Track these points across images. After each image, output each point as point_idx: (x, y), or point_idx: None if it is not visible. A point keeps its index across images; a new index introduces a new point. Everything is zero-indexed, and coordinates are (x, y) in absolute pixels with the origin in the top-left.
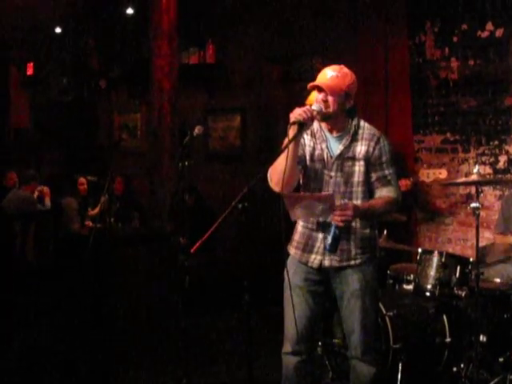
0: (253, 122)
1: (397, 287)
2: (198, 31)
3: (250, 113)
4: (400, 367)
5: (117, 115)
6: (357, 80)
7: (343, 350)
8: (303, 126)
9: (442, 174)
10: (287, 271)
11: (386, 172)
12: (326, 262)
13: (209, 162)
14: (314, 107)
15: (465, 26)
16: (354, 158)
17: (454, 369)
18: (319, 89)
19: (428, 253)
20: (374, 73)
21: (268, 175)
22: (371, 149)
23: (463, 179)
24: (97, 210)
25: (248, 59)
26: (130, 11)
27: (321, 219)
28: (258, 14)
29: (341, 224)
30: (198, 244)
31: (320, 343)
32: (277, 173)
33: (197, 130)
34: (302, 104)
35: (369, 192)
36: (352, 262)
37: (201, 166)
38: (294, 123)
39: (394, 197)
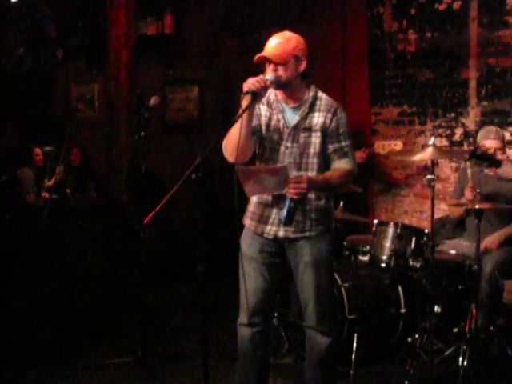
0: (211, 93)
1: (352, 258)
2: (155, 1)
3: (209, 84)
4: (355, 338)
5: (74, 85)
6: (305, 41)
7: (299, 321)
8: (256, 95)
9: (398, 145)
10: (242, 242)
11: (343, 144)
12: (281, 233)
13: (167, 134)
14: (267, 76)
15: None
16: (310, 129)
17: (409, 339)
18: (268, 59)
19: (383, 224)
20: (332, 45)
21: (223, 146)
22: (328, 120)
23: (419, 155)
24: (52, 181)
25: (206, 30)
26: None
27: (275, 193)
28: None
29: (295, 197)
30: (150, 215)
31: (276, 314)
32: (231, 143)
33: (153, 101)
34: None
35: (324, 164)
36: (307, 234)
37: (159, 137)
38: (247, 93)
39: (350, 169)
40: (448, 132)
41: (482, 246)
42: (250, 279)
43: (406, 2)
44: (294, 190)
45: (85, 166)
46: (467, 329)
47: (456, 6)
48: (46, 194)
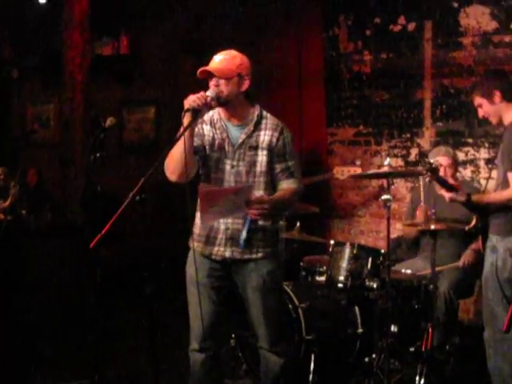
0: (168, 113)
1: (309, 279)
2: (111, 22)
3: (165, 104)
4: (313, 358)
5: (30, 106)
6: (249, 62)
7: (256, 342)
8: (198, 112)
9: (357, 171)
10: (188, 267)
11: (289, 163)
12: (228, 254)
13: (123, 154)
14: (208, 93)
15: (377, 20)
16: (256, 147)
17: (366, 359)
18: (210, 75)
19: (340, 245)
20: (288, 65)
21: (165, 165)
22: (275, 139)
23: (374, 171)
24: (8, 202)
25: (162, 50)
26: (42, 0)
27: (235, 215)
28: (172, 4)
29: (258, 218)
30: (96, 239)
31: (233, 335)
32: (173, 162)
33: (109, 122)
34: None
35: (271, 183)
36: (253, 256)
37: (115, 157)
38: (187, 110)
39: (297, 188)
40: (403, 152)
41: (461, 263)
42: (199, 305)
43: (362, 23)
44: (257, 211)
45: (40, 187)
46: (423, 348)
47: (411, 27)
48: (0, 216)
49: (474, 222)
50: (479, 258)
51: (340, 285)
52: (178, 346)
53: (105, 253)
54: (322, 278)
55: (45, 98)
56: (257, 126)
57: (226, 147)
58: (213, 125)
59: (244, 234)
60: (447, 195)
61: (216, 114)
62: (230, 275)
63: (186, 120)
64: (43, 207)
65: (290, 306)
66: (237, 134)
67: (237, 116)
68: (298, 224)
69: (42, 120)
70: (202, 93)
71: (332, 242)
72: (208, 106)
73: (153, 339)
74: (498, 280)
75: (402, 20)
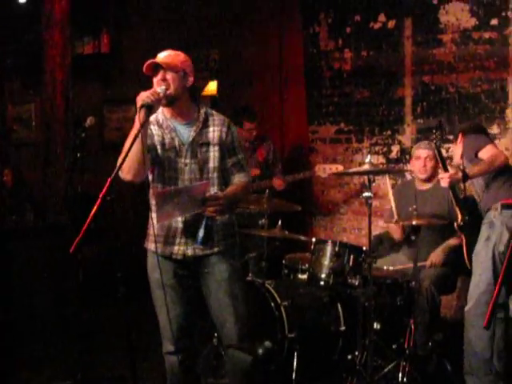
0: None
1: (291, 277)
2: (92, 20)
3: None
4: (295, 356)
5: (10, 106)
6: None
7: (222, 343)
8: (151, 108)
9: (339, 169)
10: (151, 270)
11: (239, 157)
12: (189, 251)
13: (104, 153)
14: (158, 89)
15: (358, 18)
16: (208, 144)
17: (349, 356)
18: (157, 70)
19: (322, 242)
20: (269, 63)
21: (117, 164)
22: (224, 134)
23: (355, 169)
24: None
25: (143, 49)
26: None
27: (191, 213)
28: (153, 3)
29: (214, 215)
30: (75, 243)
31: (216, 334)
32: (128, 161)
33: (89, 121)
34: (197, 94)
35: (223, 178)
36: (216, 250)
37: (97, 156)
38: (142, 106)
39: (249, 181)
40: (385, 149)
41: (428, 263)
42: (168, 307)
43: (342, 21)
44: (213, 208)
45: (20, 187)
46: (406, 345)
47: (391, 24)
48: None
49: (460, 217)
50: (449, 257)
51: (322, 282)
52: (157, 346)
53: (88, 253)
54: (304, 276)
55: (25, 97)
56: (205, 123)
57: (177, 146)
58: (159, 125)
59: (202, 232)
60: (445, 176)
61: (160, 114)
62: (194, 272)
63: (141, 117)
64: (24, 207)
65: (272, 303)
66: (185, 132)
67: (183, 115)
68: (280, 222)
69: (22, 119)
70: (153, 89)
71: (314, 239)
72: (159, 102)
73: (128, 340)
74: (493, 254)
75: (382, 17)
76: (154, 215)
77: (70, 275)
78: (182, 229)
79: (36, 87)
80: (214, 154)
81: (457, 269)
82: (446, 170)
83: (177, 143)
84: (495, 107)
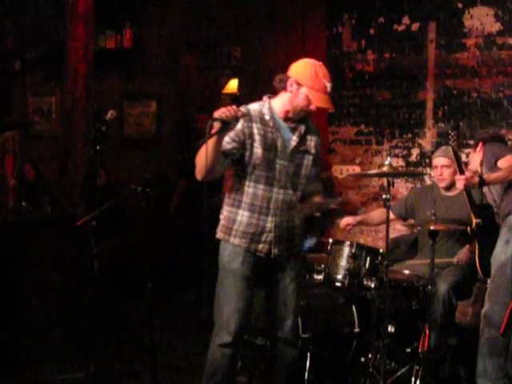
0: (168, 108)
1: (307, 277)
2: (115, 15)
3: (166, 99)
4: (309, 357)
5: (31, 98)
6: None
7: (253, 339)
8: (226, 124)
9: (356, 170)
10: (232, 261)
11: (320, 167)
12: (276, 251)
13: (124, 148)
14: (242, 108)
15: (381, 19)
16: (305, 151)
17: (362, 359)
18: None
19: (339, 243)
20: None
21: (195, 161)
22: (318, 145)
23: (374, 171)
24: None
25: (165, 45)
26: None
27: None
28: (176, 0)
29: None
30: (84, 219)
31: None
32: (199, 163)
33: (109, 115)
34: (217, 92)
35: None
36: (295, 250)
37: (116, 151)
38: (215, 119)
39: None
40: (404, 152)
41: (455, 260)
42: (241, 298)
43: (365, 22)
44: None
45: (39, 179)
46: (420, 349)
47: (414, 27)
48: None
49: (474, 222)
50: (474, 258)
51: (338, 283)
52: (176, 342)
53: (105, 247)
54: (320, 277)
55: (46, 89)
56: (306, 130)
57: (280, 147)
58: (263, 122)
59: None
60: (461, 178)
61: (268, 109)
62: (269, 269)
63: (214, 129)
64: (42, 200)
65: None
66: (289, 135)
67: (293, 119)
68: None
69: (43, 112)
70: (234, 106)
71: (331, 240)
72: (236, 121)
73: (152, 334)
74: None
75: (406, 20)
76: (241, 212)
77: (85, 267)
78: (272, 228)
79: (57, 80)
80: (307, 161)
81: (474, 275)
82: (461, 172)
83: (279, 144)
84: None
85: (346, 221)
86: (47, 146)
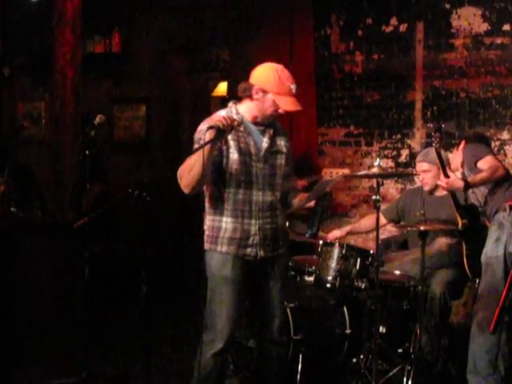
0: (158, 112)
1: (298, 279)
2: (103, 20)
3: (156, 103)
4: (300, 358)
5: (20, 103)
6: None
7: (244, 341)
8: (222, 132)
9: (346, 172)
10: (221, 268)
11: (292, 165)
12: (262, 253)
13: (114, 152)
14: (236, 117)
15: (369, 21)
16: (277, 152)
17: (354, 360)
18: None
19: (329, 245)
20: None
21: (178, 174)
22: (288, 143)
23: (364, 172)
24: None
25: (154, 49)
26: None
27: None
28: (164, 3)
29: None
30: (81, 222)
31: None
32: (189, 176)
33: (98, 119)
34: (207, 95)
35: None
36: (280, 251)
37: (106, 155)
38: (211, 127)
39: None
40: (394, 153)
41: (436, 247)
42: (234, 304)
43: (353, 23)
44: None
45: (29, 184)
46: (412, 349)
47: (402, 28)
48: None
49: (460, 223)
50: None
51: (328, 285)
52: (170, 346)
53: (97, 250)
54: (311, 278)
55: (35, 95)
56: (275, 131)
57: (253, 151)
58: (236, 129)
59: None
60: (444, 182)
61: (237, 115)
62: (257, 271)
63: (208, 136)
64: (33, 205)
65: None
66: (260, 137)
67: (263, 123)
68: (287, 223)
69: (32, 117)
70: (230, 115)
71: (321, 242)
72: (231, 130)
73: (147, 338)
74: (504, 254)
75: (393, 21)
76: (225, 219)
77: (75, 272)
78: (257, 231)
79: (46, 85)
80: (281, 161)
81: (466, 275)
82: (445, 175)
83: (253, 148)
84: (506, 113)
85: (333, 235)
86: (37, 151)
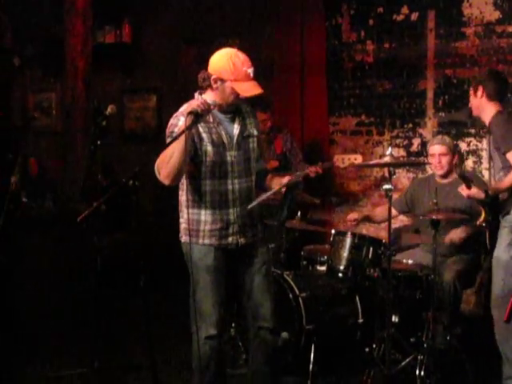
0: (169, 102)
1: (310, 268)
2: (114, 10)
3: (166, 93)
4: (313, 348)
5: (31, 94)
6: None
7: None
8: (199, 117)
9: (357, 159)
10: (203, 257)
11: (260, 145)
12: (242, 240)
13: (124, 142)
14: (210, 102)
15: (380, 10)
16: (249, 136)
17: (367, 349)
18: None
19: (341, 234)
20: (290, 55)
21: (156, 167)
22: (257, 126)
23: (376, 161)
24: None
25: (164, 39)
26: None
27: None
28: None
29: None
30: (85, 213)
31: (233, 324)
32: (168, 166)
33: (109, 110)
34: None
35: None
36: (260, 235)
37: (116, 146)
38: (190, 113)
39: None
40: (405, 142)
41: (447, 240)
42: (218, 291)
43: (364, 12)
44: None
45: (43, 175)
46: (424, 338)
47: (414, 17)
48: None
49: (482, 217)
50: (469, 239)
51: (341, 274)
52: (175, 335)
53: (109, 242)
54: (323, 268)
55: (46, 85)
56: (244, 116)
57: (225, 140)
58: (205, 120)
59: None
60: (466, 192)
61: None
62: (239, 258)
63: (189, 121)
64: (45, 196)
65: (291, 295)
66: (230, 125)
67: (229, 110)
68: (299, 213)
69: (43, 108)
70: (205, 100)
71: (333, 231)
72: (208, 113)
73: (148, 329)
74: None
75: (405, 9)
76: (203, 212)
77: (87, 263)
78: (235, 219)
79: (57, 75)
80: (253, 144)
81: (478, 264)
82: (468, 187)
83: (225, 137)
84: None
85: (352, 216)
86: (48, 142)
